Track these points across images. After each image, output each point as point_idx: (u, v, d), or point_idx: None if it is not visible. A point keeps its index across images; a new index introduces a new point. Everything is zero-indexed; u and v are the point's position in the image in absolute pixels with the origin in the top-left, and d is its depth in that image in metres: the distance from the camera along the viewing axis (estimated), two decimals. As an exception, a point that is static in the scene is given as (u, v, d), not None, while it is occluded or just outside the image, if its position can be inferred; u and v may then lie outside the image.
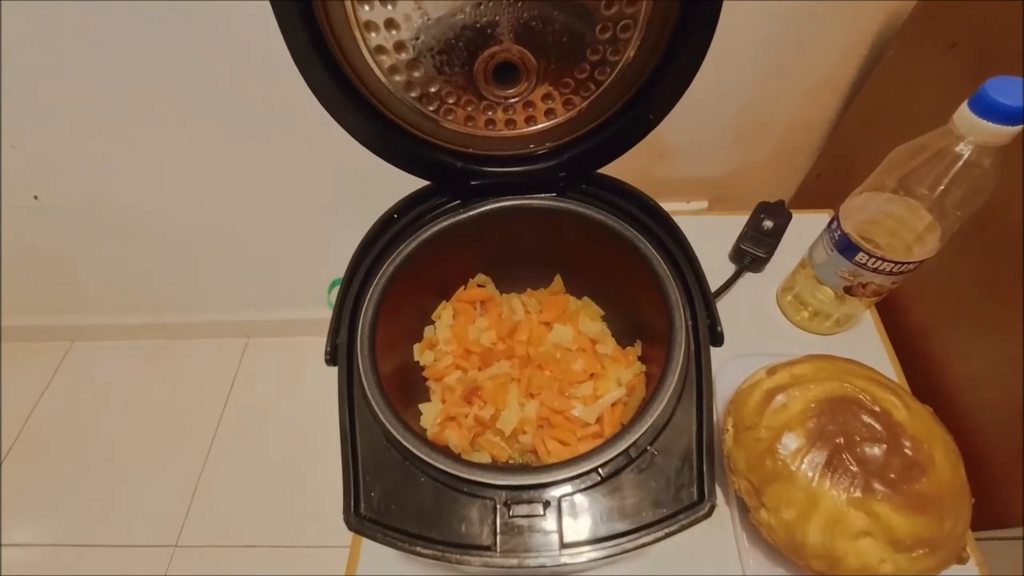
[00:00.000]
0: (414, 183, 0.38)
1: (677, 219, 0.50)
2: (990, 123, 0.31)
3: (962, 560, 0.34)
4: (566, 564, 0.24)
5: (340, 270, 0.63)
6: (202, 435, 1.07)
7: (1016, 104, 0.29)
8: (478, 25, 0.28)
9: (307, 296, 1.06)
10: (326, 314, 0.71)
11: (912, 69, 0.53)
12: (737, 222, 0.57)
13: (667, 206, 0.69)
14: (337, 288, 0.69)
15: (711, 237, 0.57)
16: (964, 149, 0.33)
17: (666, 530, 0.25)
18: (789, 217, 0.56)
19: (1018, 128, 0.30)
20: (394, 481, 0.27)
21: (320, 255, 0.93)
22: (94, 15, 0.56)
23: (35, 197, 0.80)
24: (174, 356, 1.18)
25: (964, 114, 0.32)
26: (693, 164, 0.70)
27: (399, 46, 0.29)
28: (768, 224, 0.54)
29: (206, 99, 0.66)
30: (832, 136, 0.67)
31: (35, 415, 1.12)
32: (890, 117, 0.57)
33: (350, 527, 0.26)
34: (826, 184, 0.69)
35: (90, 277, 1.02)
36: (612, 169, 0.39)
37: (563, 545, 0.25)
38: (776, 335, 0.51)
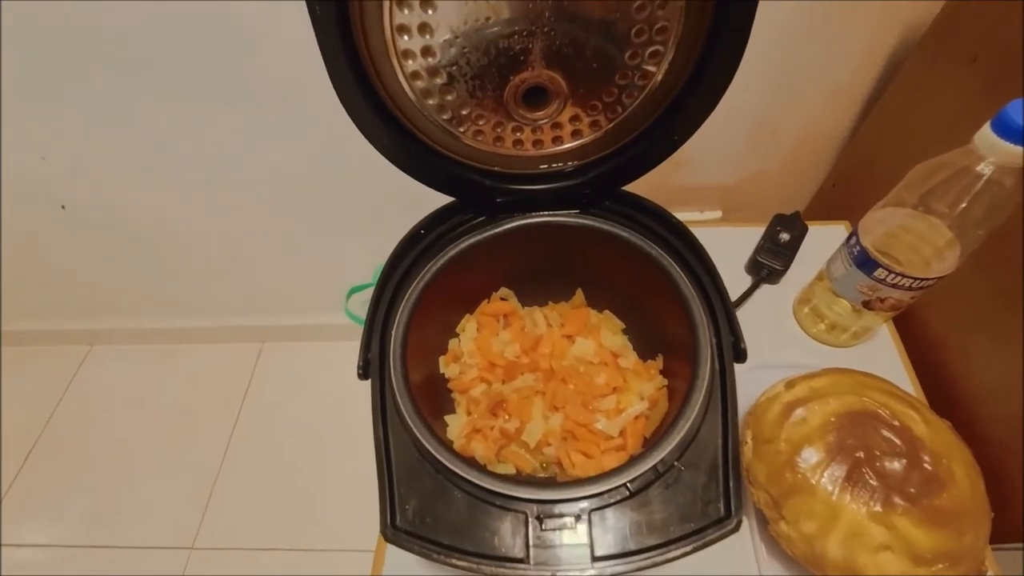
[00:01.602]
0: (431, 192, 0.39)
1: (692, 230, 0.51)
2: (1012, 145, 0.31)
3: (981, 573, 0.35)
4: (597, 577, 0.25)
5: (354, 277, 0.64)
6: (217, 438, 1.09)
7: (1038, 127, 0.30)
8: (512, 52, 0.29)
9: (321, 302, 1.07)
10: (340, 320, 0.72)
11: (930, 82, 0.54)
12: (752, 233, 0.58)
13: (681, 215, 0.69)
14: (355, 295, 0.70)
15: (727, 248, 0.58)
16: (985, 169, 0.34)
17: (694, 544, 0.26)
18: (805, 229, 0.56)
19: (1040, 150, 0.31)
20: (428, 494, 0.28)
21: (334, 262, 0.95)
22: (119, 23, 0.57)
23: (63, 207, 0.82)
24: (190, 360, 1.20)
25: (986, 135, 0.32)
26: (708, 173, 0.71)
27: (433, 71, 0.30)
28: (784, 236, 0.55)
29: (225, 109, 0.67)
30: (847, 146, 0.67)
31: (55, 417, 1.14)
32: (907, 129, 0.57)
33: (387, 539, 0.27)
34: (841, 194, 0.69)
35: (109, 282, 1.04)
36: None
37: (594, 558, 0.26)
38: (793, 347, 0.51)
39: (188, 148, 0.74)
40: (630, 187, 0.40)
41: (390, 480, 0.28)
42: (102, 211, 0.85)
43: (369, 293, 0.36)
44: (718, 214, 0.76)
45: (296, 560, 0.95)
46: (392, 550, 0.42)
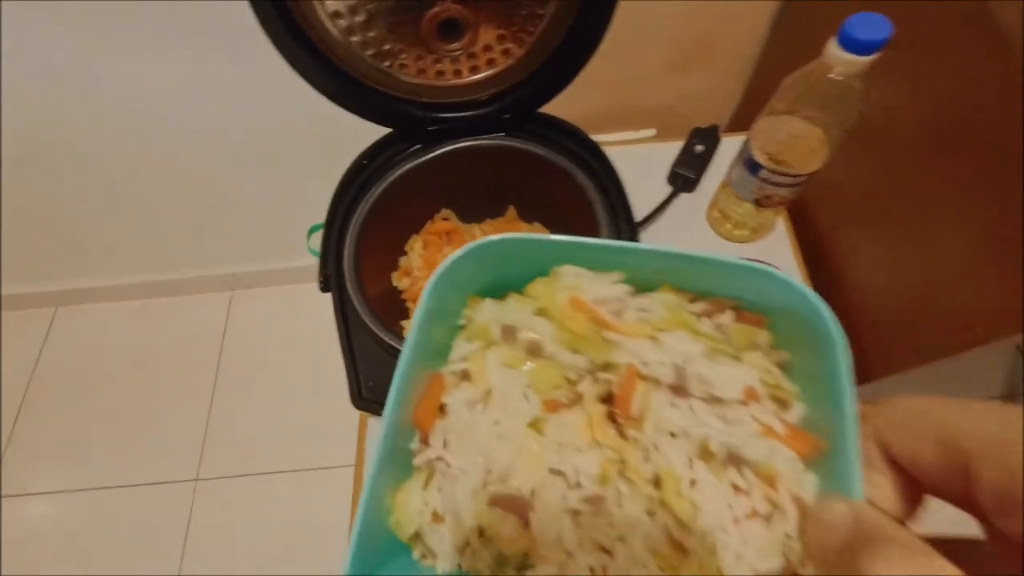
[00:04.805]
0: (378, 130, 0.43)
1: (624, 148, 0.57)
2: (851, 55, 0.37)
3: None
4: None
5: (317, 217, 0.67)
6: (203, 381, 1.14)
7: (869, 38, 0.36)
8: (420, -10, 0.32)
9: (286, 245, 1.10)
10: (307, 261, 0.76)
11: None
12: (677, 148, 0.64)
13: (615, 137, 0.74)
14: (316, 233, 0.74)
15: (654, 162, 0.64)
16: (837, 75, 0.40)
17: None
18: (718, 141, 0.62)
19: (873, 57, 0.37)
20: (386, 373, 0.35)
21: (295, 204, 0.97)
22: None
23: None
24: (161, 314, 1.22)
25: (832, 48, 0.38)
26: (637, 94, 0.75)
27: (353, 10, 0.33)
28: (699, 148, 0.61)
29: (179, 56, 0.67)
30: (759, 62, 0.72)
31: (35, 381, 1.17)
32: (801, 45, 0.63)
33: (357, 406, 0.34)
34: (755, 108, 0.75)
35: (67, 241, 1.04)
36: (560, 103, 0.45)
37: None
38: (706, 247, 0.59)
39: (143, 97, 0.73)
40: (571, 111, 0.44)
41: (353, 365, 0.35)
42: (48, 165, 0.84)
43: (329, 230, 0.41)
44: (652, 132, 0.81)
45: (296, 479, 1.05)
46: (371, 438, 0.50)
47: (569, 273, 0.20)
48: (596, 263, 0.20)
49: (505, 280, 0.21)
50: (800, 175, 0.47)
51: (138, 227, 1.03)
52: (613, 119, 0.78)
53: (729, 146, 0.63)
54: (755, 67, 0.73)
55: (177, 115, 0.77)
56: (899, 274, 0.50)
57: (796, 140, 0.46)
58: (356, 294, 0.37)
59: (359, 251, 0.39)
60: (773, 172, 0.47)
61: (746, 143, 0.50)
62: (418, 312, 0.18)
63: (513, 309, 0.20)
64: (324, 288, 0.39)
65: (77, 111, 0.75)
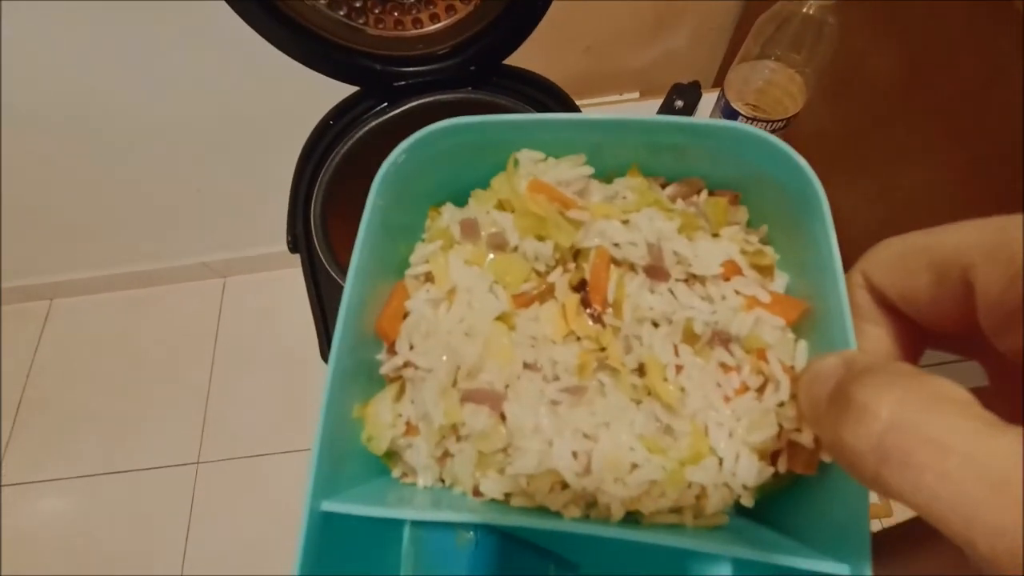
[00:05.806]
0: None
1: (605, 108, 0.56)
2: (825, -17, 0.36)
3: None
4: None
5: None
6: (200, 367, 1.15)
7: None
8: (367, -71, 0.31)
9: (276, 230, 1.09)
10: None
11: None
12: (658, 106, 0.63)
13: (599, 100, 0.73)
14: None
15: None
16: (811, 9, 0.39)
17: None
18: (699, 96, 0.61)
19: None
20: (357, 329, 0.35)
21: (285, 189, 0.96)
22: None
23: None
24: (154, 304, 1.22)
25: (804, -21, 0.37)
26: (618, 56, 0.73)
27: (301, -44, 0.32)
28: (679, 104, 0.60)
29: (168, 45, 0.66)
30: (741, 17, 0.70)
31: (33, 373, 1.18)
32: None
33: (327, 361, 0.34)
34: (741, 62, 0.73)
35: (61, 233, 1.04)
36: (542, 68, 0.43)
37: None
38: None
39: (125, 85, 0.72)
40: (554, 76, 0.43)
41: (324, 320, 0.35)
42: (37, 157, 0.84)
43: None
44: (636, 95, 0.79)
45: (294, 460, 1.06)
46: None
47: (528, 159, 0.19)
48: (557, 146, 0.19)
49: (467, 186, 0.20)
50: (779, 120, 0.46)
51: (129, 217, 1.02)
52: (597, 83, 0.77)
53: (712, 101, 0.62)
54: (736, 22, 0.71)
55: (165, 102, 0.76)
56: (876, 218, 0.49)
57: (771, 86, 0.45)
58: (324, 251, 0.37)
59: (326, 209, 0.39)
60: (751, 119, 0.46)
61: (722, 91, 0.48)
62: (367, 210, 0.18)
63: (473, 206, 0.20)
64: (293, 248, 0.38)
65: (64, 101, 0.74)
